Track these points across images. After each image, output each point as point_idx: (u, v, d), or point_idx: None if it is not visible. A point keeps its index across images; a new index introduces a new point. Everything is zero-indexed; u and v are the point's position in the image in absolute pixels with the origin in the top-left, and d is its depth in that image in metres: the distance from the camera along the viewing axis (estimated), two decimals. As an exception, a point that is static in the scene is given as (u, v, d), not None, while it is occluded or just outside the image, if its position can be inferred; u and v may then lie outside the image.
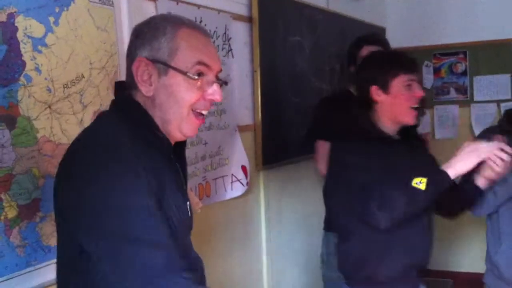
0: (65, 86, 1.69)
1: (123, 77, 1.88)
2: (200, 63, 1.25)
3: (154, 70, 1.24)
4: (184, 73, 1.24)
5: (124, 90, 1.30)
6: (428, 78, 4.80)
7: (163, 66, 1.24)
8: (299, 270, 3.33)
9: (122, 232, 1.13)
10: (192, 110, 1.27)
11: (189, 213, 1.37)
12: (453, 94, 4.71)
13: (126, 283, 1.15)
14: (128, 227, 1.14)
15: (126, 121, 1.24)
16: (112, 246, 1.14)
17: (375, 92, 1.97)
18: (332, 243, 2.68)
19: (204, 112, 1.29)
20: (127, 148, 1.19)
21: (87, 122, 1.76)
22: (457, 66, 4.68)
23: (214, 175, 2.42)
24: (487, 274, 2.36)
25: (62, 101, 1.68)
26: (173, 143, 1.31)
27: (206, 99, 1.27)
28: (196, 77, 1.24)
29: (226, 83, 1.38)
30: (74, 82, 1.72)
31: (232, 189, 2.57)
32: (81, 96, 1.75)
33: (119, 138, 1.20)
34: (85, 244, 1.17)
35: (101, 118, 1.35)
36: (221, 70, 1.31)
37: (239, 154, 2.61)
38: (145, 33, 1.26)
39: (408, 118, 1.96)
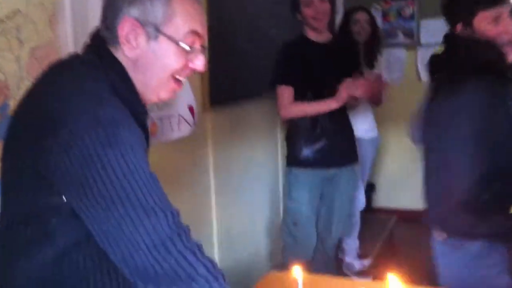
0: (0, 21, 1.64)
1: (62, 14, 1.86)
2: (192, 32, 1.21)
3: (143, 33, 1.19)
4: (176, 42, 1.20)
5: (103, 42, 1.23)
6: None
7: (154, 31, 1.19)
8: (247, 212, 3.41)
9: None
10: (173, 77, 1.24)
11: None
12: (401, 38, 4.79)
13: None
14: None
15: (108, 79, 1.18)
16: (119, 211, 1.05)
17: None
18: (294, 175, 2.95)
19: (183, 80, 1.27)
20: (113, 105, 1.12)
21: (24, 59, 1.73)
22: (405, 10, 4.74)
23: (160, 115, 2.42)
24: None
25: (-2, 37, 1.64)
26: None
27: (189, 68, 1.25)
28: (188, 48, 1.21)
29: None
30: (10, 17, 1.68)
31: (179, 129, 2.57)
32: (18, 32, 1.71)
33: (99, 91, 1.13)
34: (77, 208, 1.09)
35: (81, 65, 1.22)
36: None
37: (186, 94, 2.60)
38: None
39: None
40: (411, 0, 4.72)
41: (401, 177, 4.77)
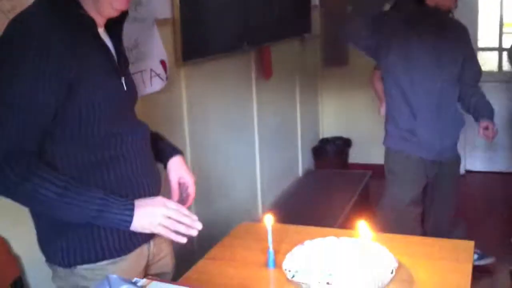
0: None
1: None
2: None
3: None
4: None
5: None
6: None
7: None
8: (223, 168, 3.42)
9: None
10: None
11: (124, 87, 1.51)
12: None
13: None
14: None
15: (48, 5, 1.36)
16: None
17: None
18: None
19: None
20: (36, 37, 1.31)
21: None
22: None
23: (131, 70, 2.40)
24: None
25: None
26: (102, 22, 1.46)
27: None
28: None
29: None
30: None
31: (151, 84, 2.55)
32: None
33: (33, 27, 1.33)
34: None
35: (30, 6, 1.41)
36: None
37: (157, 48, 2.57)
38: None
39: None
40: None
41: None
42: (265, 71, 3.85)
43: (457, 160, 3.03)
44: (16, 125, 1.30)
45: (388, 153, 2.99)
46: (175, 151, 1.75)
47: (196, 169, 3.03)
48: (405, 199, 2.91)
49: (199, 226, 1.44)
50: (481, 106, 2.88)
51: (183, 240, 1.44)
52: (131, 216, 1.39)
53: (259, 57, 3.80)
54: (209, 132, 3.21)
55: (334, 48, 4.99)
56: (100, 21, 1.46)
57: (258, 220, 2.92)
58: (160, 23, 2.62)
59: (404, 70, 2.74)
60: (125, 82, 1.53)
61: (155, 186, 1.60)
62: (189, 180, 1.72)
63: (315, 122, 5.23)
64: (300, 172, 4.77)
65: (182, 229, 1.43)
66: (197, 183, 1.74)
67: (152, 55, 2.54)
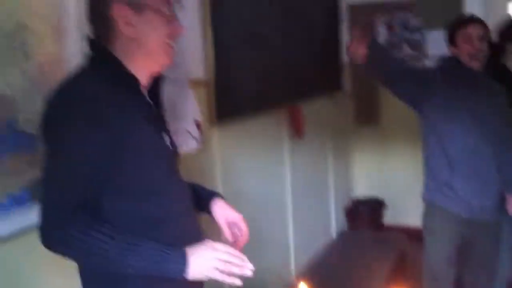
0: (6, 36, 1.64)
1: (68, 28, 1.85)
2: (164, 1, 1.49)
3: (132, 12, 1.42)
4: (157, 10, 1.45)
5: (98, 44, 1.46)
6: (382, 33, 4.84)
7: (138, 6, 1.43)
8: (256, 228, 3.36)
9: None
10: (167, 43, 1.48)
11: (168, 143, 1.56)
12: (406, 49, 4.77)
13: None
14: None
15: (97, 67, 1.43)
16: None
17: None
18: None
19: (173, 44, 1.51)
20: (83, 101, 1.35)
21: (32, 74, 1.72)
22: (410, 21, 4.73)
23: (167, 130, 2.41)
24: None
25: (4, 52, 1.63)
26: (146, 80, 1.51)
27: (173, 30, 1.50)
28: (167, 11, 1.47)
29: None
30: (16, 32, 1.67)
31: (186, 145, 2.55)
32: (24, 47, 1.70)
33: (79, 91, 1.38)
34: None
35: (77, 70, 1.48)
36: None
37: (192, 109, 2.59)
38: None
39: None
40: (416, 11, 4.72)
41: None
42: (297, 130, 3.84)
43: (498, 223, 2.88)
44: (72, 185, 1.35)
45: (425, 207, 2.92)
46: (215, 194, 1.78)
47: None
48: (439, 259, 2.82)
49: (250, 266, 1.45)
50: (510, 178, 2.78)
51: (238, 282, 1.44)
52: (186, 264, 1.39)
53: (291, 116, 3.80)
54: (241, 191, 3.18)
55: (366, 106, 4.98)
56: (144, 80, 1.51)
57: (291, 285, 2.83)
58: (195, 83, 2.65)
59: (445, 119, 2.72)
60: (170, 140, 1.58)
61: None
62: (236, 217, 1.74)
63: (348, 182, 5.16)
64: (333, 233, 4.67)
65: (236, 270, 1.43)
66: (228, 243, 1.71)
67: (187, 115, 2.55)
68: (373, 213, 4.95)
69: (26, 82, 1.71)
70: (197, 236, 1.56)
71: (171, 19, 1.49)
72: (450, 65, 2.77)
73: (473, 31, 2.68)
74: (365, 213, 4.89)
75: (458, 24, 2.76)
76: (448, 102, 2.71)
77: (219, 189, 2.93)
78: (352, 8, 4.86)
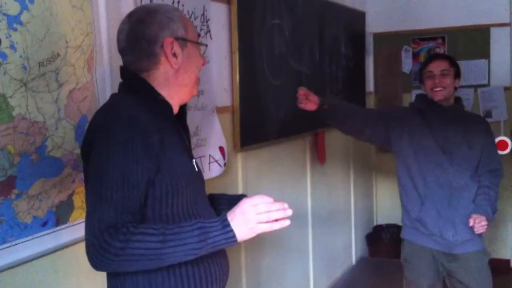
0: (40, 64, 1.69)
1: (100, 56, 1.90)
2: (198, 35, 1.64)
3: (178, 46, 1.54)
4: (197, 43, 1.61)
5: (130, 73, 1.56)
6: (407, 63, 4.85)
7: (183, 41, 1.55)
8: (278, 254, 3.37)
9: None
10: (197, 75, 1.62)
11: (196, 168, 1.63)
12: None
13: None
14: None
15: (132, 94, 1.52)
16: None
17: None
18: None
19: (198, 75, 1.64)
20: (127, 121, 1.42)
21: (62, 101, 1.77)
22: (435, 50, 4.74)
23: (191, 156, 2.44)
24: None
25: (37, 79, 1.68)
26: (176, 109, 1.59)
27: (203, 63, 1.64)
28: (204, 43, 1.67)
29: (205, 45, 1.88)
30: (49, 60, 1.72)
31: (209, 169, 2.59)
32: (57, 75, 1.75)
33: (122, 113, 1.45)
34: None
35: (112, 96, 1.61)
36: None
37: (217, 135, 2.62)
38: (156, 20, 1.52)
39: None
40: (442, 41, 4.72)
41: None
42: (319, 155, 3.86)
43: (479, 255, 2.83)
44: (114, 203, 1.36)
45: (402, 242, 3.01)
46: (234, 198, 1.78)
47: (249, 254, 3.00)
48: (420, 286, 2.89)
49: (288, 207, 1.47)
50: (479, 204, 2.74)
51: (287, 223, 1.46)
52: (232, 231, 1.40)
53: (313, 142, 3.82)
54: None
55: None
56: (175, 108, 1.59)
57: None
58: (220, 110, 2.69)
59: (415, 155, 2.80)
60: (196, 164, 1.63)
61: (227, 273, 1.65)
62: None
63: (369, 208, 5.14)
64: (354, 259, 4.64)
65: (279, 214, 1.45)
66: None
67: (212, 142, 2.59)
68: (395, 240, 4.90)
69: (57, 109, 1.76)
70: (221, 257, 1.60)
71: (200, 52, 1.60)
72: (420, 102, 2.90)
73: (435, 68, 2.81)
74: (386, 240, 4.86)
75: (423, 63, 2.94)
76: (417, 138, 2.81)
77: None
78: (376, 36, 4.88)
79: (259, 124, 3.04)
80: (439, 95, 2.78)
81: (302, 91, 2.82)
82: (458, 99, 2.91)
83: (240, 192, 2.94)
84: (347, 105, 3.16)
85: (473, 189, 2.77)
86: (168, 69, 1.55)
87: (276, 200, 1.48)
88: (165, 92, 1.54)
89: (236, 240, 1.42)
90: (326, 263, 4.04)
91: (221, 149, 2.64)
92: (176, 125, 1.58)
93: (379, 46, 4.88)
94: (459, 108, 2.91)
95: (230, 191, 2.87)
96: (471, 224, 2.64)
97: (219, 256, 1.59)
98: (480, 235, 2.78)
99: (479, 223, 2.63)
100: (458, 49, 4.62)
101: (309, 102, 2.81)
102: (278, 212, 1.44)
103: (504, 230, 4.73)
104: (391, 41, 4.83)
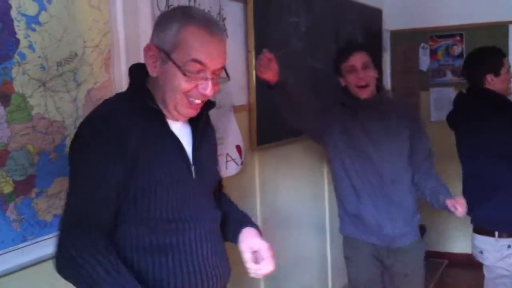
0: (58, 64, 1.71)
1: (117, 56, 1.92)
2: (195, 60, 1.41)
3: (159, 57, 1.43)
4: (178, 67, 1.41)
5: (134, 73, 1.52)
6: (425, 60, 4.81)
7: (165, 56, 1.42)
8: (294, 250, 3.37)
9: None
10: (186, 97, 1.44)
11: (193, 175, 1.51)
12: (449, 76, 4.73)
13: None
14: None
15: (129, 96, 1.49)
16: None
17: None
18: None
19: (197, 101, 1.46)
20: (106, 122, 1.39)
21: (81, 100, 1.78)
22: (453, 48, 4.69)
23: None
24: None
25: (56, 79, 1.70)
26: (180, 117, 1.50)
27: (198, 91, 1.43)
28: (188, 73, 1.41)
29: (227, 78, 1.53)
30: (67, 60, 1.74)
31: (226, 168, 2.59)
32: (75, 74, 1.77)
33: (98, 113, 1.44)
34: None
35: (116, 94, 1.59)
36: (221, 68, 1.47)
37: (234, 134, 2.63)
38: (160, 23, 1.46)
39: None
40: (460, 39, 4.68)
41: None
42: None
43: (418, 244, 2.80)
44: (85, 201, 1.37)
45: (342, 238, 2.91)
46: (248, 223, 1.69)
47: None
48: (361, 281, 2.83)
49: None
50: (440, 192, 2.63)
51: None
52: None
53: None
54: (280, 214, 3.19)
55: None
56: (174, 114, 1.49)
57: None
58: (237, 109, 2.69)
59: (346, 150, 2.69)
60: (197, 170, 1.52)
61: (223, 277, 1.57)
62: (262, 245, 1.58)
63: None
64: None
65: None
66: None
67: (229, 140, 2.59)
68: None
69: (75, 108, 1.77)
70: (217, 267, 1.54)
71: (199, 80, 1.43)
72: (345, 98, 2.73)
73: (357, 61, 2.65)
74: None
75: (341, 56, 2.73)
76: (346, 133, 2.69)
77: (258, 209, 2.96)
78: (393, 33, 4.85)
79: (275, 123, 3.02)
80: (364, 94, 2.64)
81: (267, 54, 2.34)
82: (380, 88, 2.77)
83: (257, 190, 2.94)
84: (301, 93, 2.85)
85: (406, 180, 2.70)
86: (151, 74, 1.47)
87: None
88: (158, 98, 1.47)
89: None
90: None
91: (238, 147, 2.65)
92: (169, 130, 1.48)
93: (396, 44, 4.85)
94: (383, 98, 2.77)
95: (247, 190, 2.88)
96: (452, 209, 2.48)
97: (213, 257, 1.54)
98: (416, 226, 2.75)
99: (459, 203, 2.46)
100: (476, 46, 4.56)
101: (269, 71, 2.37)
102: None
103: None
104: (408, 39, 4.79)
